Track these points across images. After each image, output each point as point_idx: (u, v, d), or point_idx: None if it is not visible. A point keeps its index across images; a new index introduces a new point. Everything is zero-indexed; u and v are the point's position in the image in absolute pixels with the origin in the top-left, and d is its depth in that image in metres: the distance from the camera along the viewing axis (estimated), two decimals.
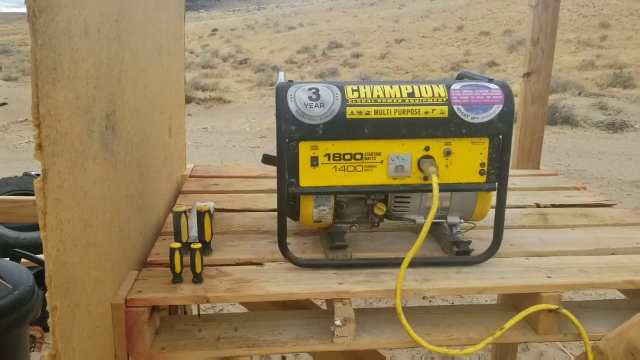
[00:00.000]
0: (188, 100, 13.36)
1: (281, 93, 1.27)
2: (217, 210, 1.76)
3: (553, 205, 1.85)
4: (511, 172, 2.25)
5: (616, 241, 1.54)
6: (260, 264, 1.42)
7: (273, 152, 1.37)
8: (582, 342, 1.30)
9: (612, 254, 1.48)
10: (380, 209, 1.41)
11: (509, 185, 1.98)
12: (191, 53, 26.01)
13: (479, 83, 1.33)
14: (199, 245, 1.29)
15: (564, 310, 1.26)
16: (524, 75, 2.22)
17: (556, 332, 1.30)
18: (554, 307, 1.25)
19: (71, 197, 0.95)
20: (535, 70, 2.20)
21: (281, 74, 1.42)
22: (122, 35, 1.25)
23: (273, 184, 1.35)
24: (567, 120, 12.75)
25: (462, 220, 1.44)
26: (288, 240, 1.53)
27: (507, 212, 1.76)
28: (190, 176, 2.14)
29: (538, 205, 1.84)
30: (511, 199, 1.90)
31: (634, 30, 24.20)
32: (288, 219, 1.43)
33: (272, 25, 37.85)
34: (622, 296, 1.56)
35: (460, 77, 1.48)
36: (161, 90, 1.69)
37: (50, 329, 0.90)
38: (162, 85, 1.71)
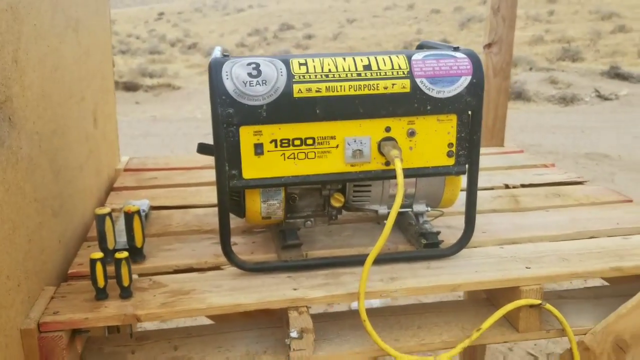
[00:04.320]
0: (135, 88, 12.89)
1: (215, 70, 1.07)
2: (154, 208, 1.55)
3: (523, 185, 1.71)
4: None
5: (594, 222, 1.42)
6: (202, 270, 1.23)
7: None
8: (565, 337, 1.17)
9: (592, 237, 1.35)
10: (337, 201, 1.24)
11: None
12: (137, 39, 25.14)
13: (444, 52, 1.16)
14: (125, 254, 1.09)
15: (548, 306, 1.12)
16: (485, 47, 2.08)
17: (538, 329, 1.16)
18: (537, 302, 1.11)
19: None
20: (497, 40, 2.05)
21: (217, 49, 1.22)
22: (16, 6, 1.03)
23: None
24: (520, 95, 12.87)
25: (429, 209, 1.28)
26: (235, 239, 1.35)
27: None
28: (125, 170, 1.91)
29: (507, 186, 1.71)
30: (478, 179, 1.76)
31: (580, 4, 24.67)
32: (234, 216, 1.25)
33: (220, 7, 37.00)
34: (604, 283, 1.44)
35: (420, 48, 1.31)
36: (80, 74, 1.47)
37: None
38: (82, 68, 1.48)
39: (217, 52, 1.18)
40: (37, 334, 1.00)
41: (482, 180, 1.71)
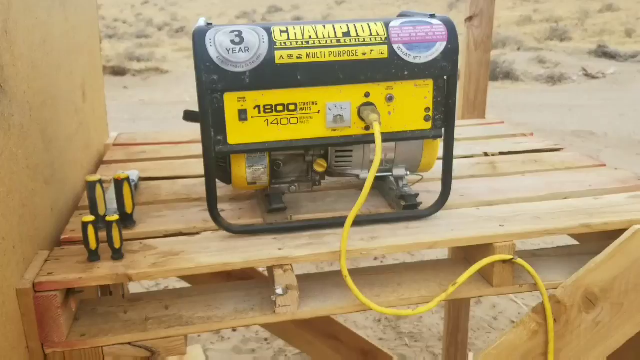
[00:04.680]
0: (122, 72, 12.81)
1: (199, 38, 1.11)
2: (143, 179, 1.60)
3: (501, 153, 1.77)
4: (457, 122, 2.17)
5: (569, 185, 1.48)
6: (191, 234, 1.28)
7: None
8: (538, 292, 1.23)
9: (565, 198, 1.41)
10: (320, 166, 1.28)
11: (455, 136, 1.89)
12: (124, 23, 24.91)
13: (420, 19, 1.20)
14: (116, 217, 1.13)
15: (519, 260, 1.18)
16: (466, 20, 2.12)
17: (512, 284, 1.22)
18: (509, 257, 1.17)
19: None
20: (478, 13, 2.10)
21: (201, 19, 1.25)
22: None
23: None
24: (508, 75, 12.93)
25: (408, 173, 1.33)
26: (223, 206, 1.40)
27: (455, 162, 1.66)
28: (114, 145, 1.95)
29: (486, 154, 1.76)
30: (458, 149, 1.81)
31: None
32: (221, 183, 1.30)
33: None
34: (574, 242, 1.50)
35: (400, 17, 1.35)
36: (68, 48, 1.50)
37: None
38: (69, 42, 1.51)
39: (201, 22, 1.21)
40: (32, 294, 1.05)
41: (462, 149, 1.78)
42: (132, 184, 1.47)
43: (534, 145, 1.83)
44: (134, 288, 2.96)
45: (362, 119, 1.18)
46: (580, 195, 1.41)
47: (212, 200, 1.20)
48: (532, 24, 19.68)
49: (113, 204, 1.30)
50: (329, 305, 1.19)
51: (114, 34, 19.78)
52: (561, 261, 1.32)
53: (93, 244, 1.13)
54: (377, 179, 1.46)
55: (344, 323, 2.82)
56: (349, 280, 1.13)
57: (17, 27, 1.11)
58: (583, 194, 1.42)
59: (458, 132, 1.95)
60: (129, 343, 1.12)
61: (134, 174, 1.55)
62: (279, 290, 1.14)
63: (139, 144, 1.95)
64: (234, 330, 3.01)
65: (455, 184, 1.46)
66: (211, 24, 1.16)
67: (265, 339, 2.90)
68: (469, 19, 2.10)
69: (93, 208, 1.24)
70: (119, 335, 1.11)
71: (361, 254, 1.18)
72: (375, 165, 1.10)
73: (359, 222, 1.27)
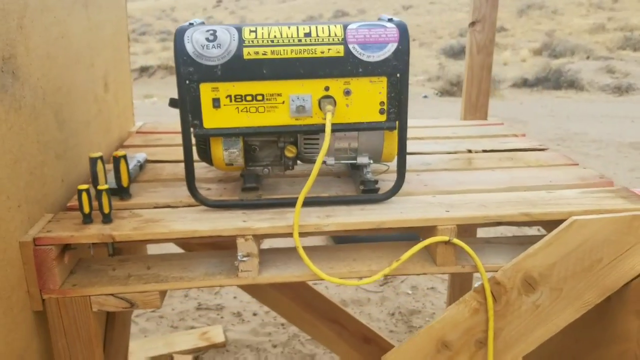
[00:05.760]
0: None
1: (179, 35, 1.30)
2: (150, 161, 1.80)
3: (484, 151, 1.86)
4: (457, 122, 2.28)
5: (530, 180, 1.57)
6: (176, 207, 1.47)
7: None
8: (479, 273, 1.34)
9: (523, 191, 1.50)
10: (290, 151, 1.44)
11: (449, 134, 2.01)
12: None
13: (376, 23, 1.34)
14: (106, 186, 1.34)
15: (455, 240, 1.29)
16: (469, 25, 2.22)
17: (454, 264, 1.34)
18: (446, 238, 1.29)
19: None
20: (480, 19, 2.19)
21: (195, 20, 1.44)
22: None
23: None
24: (572, 84, 12.62)
25: (371, 161, 1.47)
26: (210, 185, 1.59)
27: (436, 157, 1.80)
28: (137, 132, 2.18)
29: (469, 151, 1.86)
30: (446, 146, 1.93)
31: None
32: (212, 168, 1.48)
33: None
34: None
35: None
36: (89, 43, 1.72)
37: None
38: (91, 38, 1.74)
39: (195, 21, 1.40)
40: (32, 247, 1.26)
41: (449, 146, 1.90)
42: (138, 164, 1.69)
43: (519, 145, 1.91)
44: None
45: (322, 109, 1.33)
46: (536, 189, 1.50)
47: (190, 177, 1.39)
48: (605, 33, 19.04)
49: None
50: (287, 274, 1.35)
51: None
52: (510, 248, 1.42)
53: (86, 209, 1.34)
54: (350, 167, 1.62)
55: (358, 315, 2.96)
56: (301, 251, 1.29)
57: (34, 24, 1.33)
58: (540, 188, 1.51)
59: (454, 131, 2.08)
60: (112, 294, 1.32)
61: (141, 156, 1.76)
62: (239, 257, 1.30)
63: (157, 132, 2.17)
64: (255, 314, 3.21)
65: (426, 176, 1.59)
66: (192, 23, 1.34)
67: (282, 324, 3.08)
68: (472, 24, 2.20)
69: (94, 180, 1.44)
70: (104, 287, 1.31)
71: (315, 229, 1.33)
72: (324, 150, 1.25)
73: (320, 202, 1.43)
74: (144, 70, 15.75)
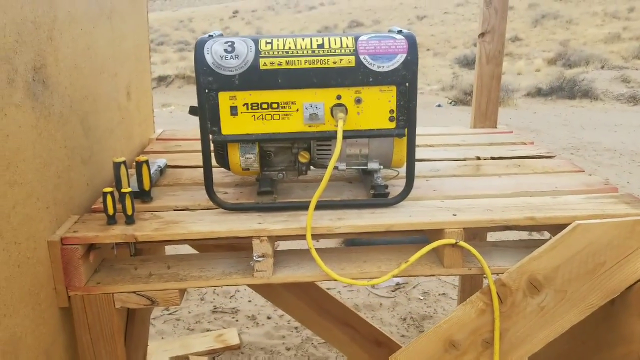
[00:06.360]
0: None
1: (199, 46, 1.37)
2: (170, 166, 1.88)
3: (492, 158, 1.91)
4: (467, 130, 2.33)
5: (536, 186, 1.62)
6: (195, 209, 1.54)
7: None
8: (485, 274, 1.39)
9: (529, 196, 1.55)
10: (304, 157, 1.51)
11: (458, 142, 2.07)
12: None
13: (386, 34, 1.41)
14: (129, 189, 1.41)
15: (462, 243, 1.34)
16: (479, 36, 2.28)
17: (461, 266, 1.39)
18: (452, 240, 1.34)
19: None
20: (490, 30, 2.25)
21: (215, 32, 1.52)
22: None
23: None
24: (587, 93, 12.58)
25: (381, 167, 1.53)
26: (227, 189, 1.66)
27: (445, 164, 1.86)
28: (157, 139, 2.26)
29: (478, 158, 1.92)
30: (454, 153, 1.98)
31: None
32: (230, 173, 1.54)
33: (292, 5, 37.76)
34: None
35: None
36: (113, 54, 1.81)
37: None
38: (114, 49, 1.82)
39: (214, 33, 1.47)
40: (59, 246, 1.34)
41: (458, 153, 1.95)
42: (158, 169, 1.77)
43: (528, 152, 1.96)
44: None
45: (334, 117, 1.40)
46: (542, 195, 1.55)
47: (208, 181, 1.46)
48: (621, 42, 18.97)
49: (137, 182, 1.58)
50: (299, 274, 1.41)
51: None
52: (516, 251, 1.47)
53: (110, 210, 1.41)
54: (362, 172, 1.68)
55: (370, 319, 3.01)
56: (313, 251, 1.35)
57: (62, 36, 1.42)
58: (545, 193, 1.56)
59: (463, 139, 2.13)
60: (134, 292, 1.39)
61: (162, 161, 1.84)
62: (255, 257, 1.37)
63: (177, 139, 2.25)
64: (269, 318, 3.27)
65: (434, 181, 1.65)
66: (212, 35, 1.41)
67: (296, 328, 3.13)
68: (482, 35, 2.26)
69: (118, 184, 1.52)
70: (127, 285, 1.38)
71: (327, 231, 1.39)
72: (336, 155, 1.32)
73: (333, 206, 1.49)
74: (162, 79, 15.97)
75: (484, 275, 1.40)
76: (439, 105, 11.83)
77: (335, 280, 1.36)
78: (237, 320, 3.26)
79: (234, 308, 3.38)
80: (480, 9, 2.26)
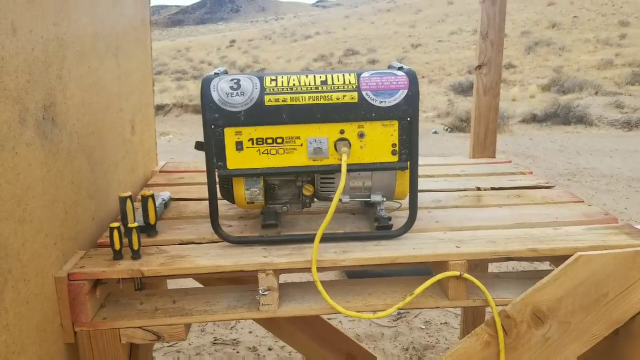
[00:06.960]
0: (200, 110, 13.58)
1: (205, 84, 1.40)
2: (174, 199, 1.89)
3: (492, 188, 1.94)
4: (466, 161, 2.36)
5: (537, 217, 1.64)
6: (200, 243, 1.55)
7: None
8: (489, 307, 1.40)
9: (530, 228, 1.57)
10: (307, 190, 1.53)
11: (458, 172, 2.09)
12: (209, 65, 26.47)
13: (388, 70, 1.44)
14: (135, 224, 1.42)
15: (467, 275, 1.36)
16: (475, 68, 2.32)
17: (465, 298, 1.40)
18: (457, 273, 1.36)
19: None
20: (486, 62, 2.29)
21: (220, 68, 1.55)
22: (62, 37, 1.39)
23: None
24: (581, 119, 12.70)
25: (384, 199, 1.55)
26: (231, 222, 1.67)
27: (446, 195, 1.88)
28: (160, 171, 2.28)
29: (478, 189, 1.94)
30: (455, 183, 2.00)
31: None
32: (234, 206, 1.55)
33: (289, 34, 38.24)
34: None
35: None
36: (119, 90, 1.84)
37: None
38: (120, 85, 1.85)
39: (219, 70, 1.51)
40: (66, 282, 1.34)
41: (458, 183, 1.97)
42: (163, 202, 1.78)
43: (526, 183, 1.99)
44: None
45: (337, 151, 1.42)
46: (543, 226, 1.57)
47: (214, 215, 1.47)
48: (613, 68, 19.21)
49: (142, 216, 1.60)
50: (305, 307, 1.41)
51: (200, 75, 21.07)
52: (518, 283, 1.48)
53: (117, 245, 1.42)
54: (365, 204, 1.70)
55: (372, 350, 3.00)
56: (319, 285, 1.36)
57: (71, 74, 1.44)
58: (546, 224, 1.58)
59: (462, 169, 2.16)
60: (140, 327, 1.39)
61: (166, 195, 1.85)
62: (261, 291, 1.38)
63: (179, 171, 2.27)
64: (270, 349, 3.25)
65: (437, 213, 1.67)
66: (218, 73, 1.45)
67: None
68: (478, 67, 2.30)
69: (124, 218, 1.54)
70: (133, 320, 1.39)
71: (332, 264, 1.40)
72: (340, 188, 1.34)
73: (337, 238, 1.50)
74: (159, 108, 16.07)
75: (489, 308, 1.41)
76: (435, 132, 11.92)
77: (341, 313, 1.37)
78: (238, 352, 3.23)
79: (234, 339, 3.36)
80: (477, 42, 2.31)
